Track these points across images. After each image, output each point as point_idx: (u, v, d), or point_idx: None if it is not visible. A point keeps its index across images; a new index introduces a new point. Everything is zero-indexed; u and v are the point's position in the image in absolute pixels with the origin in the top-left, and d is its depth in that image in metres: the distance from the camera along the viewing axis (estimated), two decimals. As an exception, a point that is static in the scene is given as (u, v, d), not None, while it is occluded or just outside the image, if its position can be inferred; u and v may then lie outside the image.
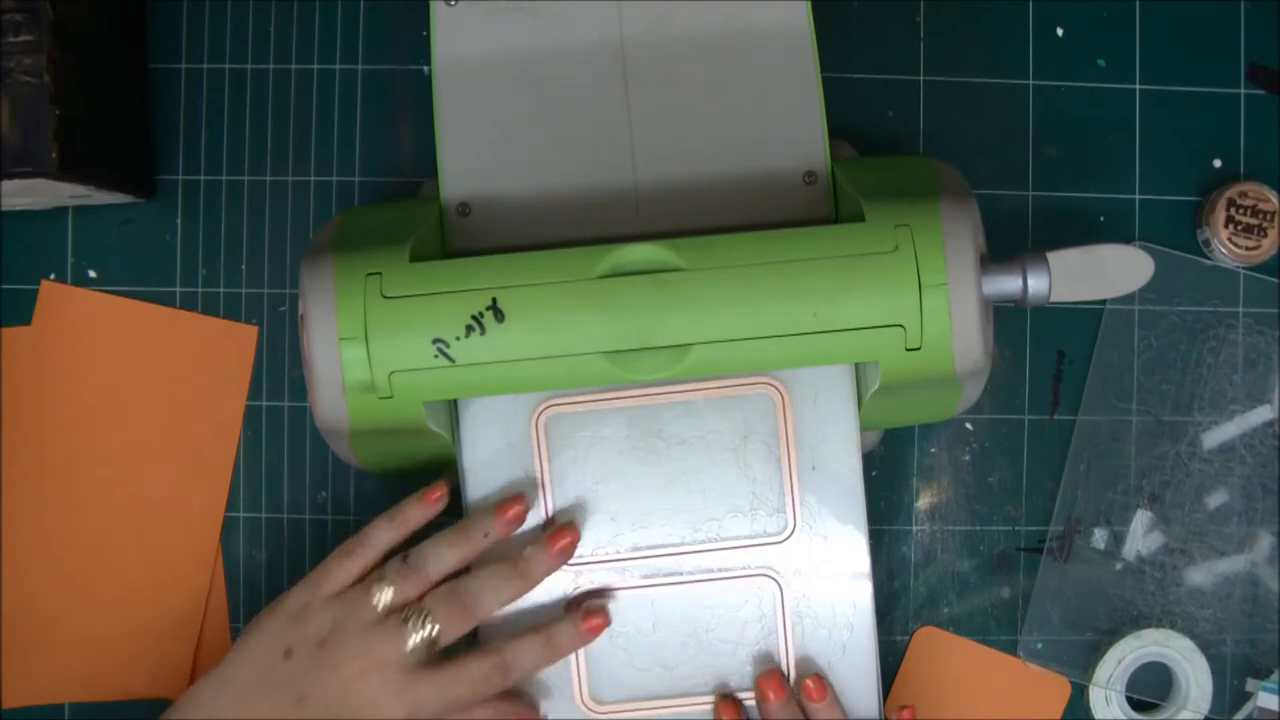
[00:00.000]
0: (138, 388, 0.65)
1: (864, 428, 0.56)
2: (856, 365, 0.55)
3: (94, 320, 0.65)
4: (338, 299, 0.51)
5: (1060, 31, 0.67)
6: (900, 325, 0.50)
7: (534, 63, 0.56)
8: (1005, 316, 0.66)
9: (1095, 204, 0.67)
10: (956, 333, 0.50)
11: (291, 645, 0.54)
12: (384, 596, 0.54)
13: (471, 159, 0.56)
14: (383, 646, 0.53)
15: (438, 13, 0.56)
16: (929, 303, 0.50)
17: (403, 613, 0.54)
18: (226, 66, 0.66)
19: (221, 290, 0.66)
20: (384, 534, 0.56)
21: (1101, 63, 0.67)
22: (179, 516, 0.65)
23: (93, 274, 0.66)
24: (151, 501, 0.65)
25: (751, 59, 0.56)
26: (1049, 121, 0.67)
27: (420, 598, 0.54)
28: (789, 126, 0.56)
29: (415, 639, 0.53)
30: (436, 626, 0.54)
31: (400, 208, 0.57)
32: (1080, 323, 0.67)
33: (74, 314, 0.65)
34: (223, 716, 0.54)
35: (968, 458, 0.67)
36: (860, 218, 0.51)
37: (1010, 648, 0.67)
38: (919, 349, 0.50)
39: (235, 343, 0.66)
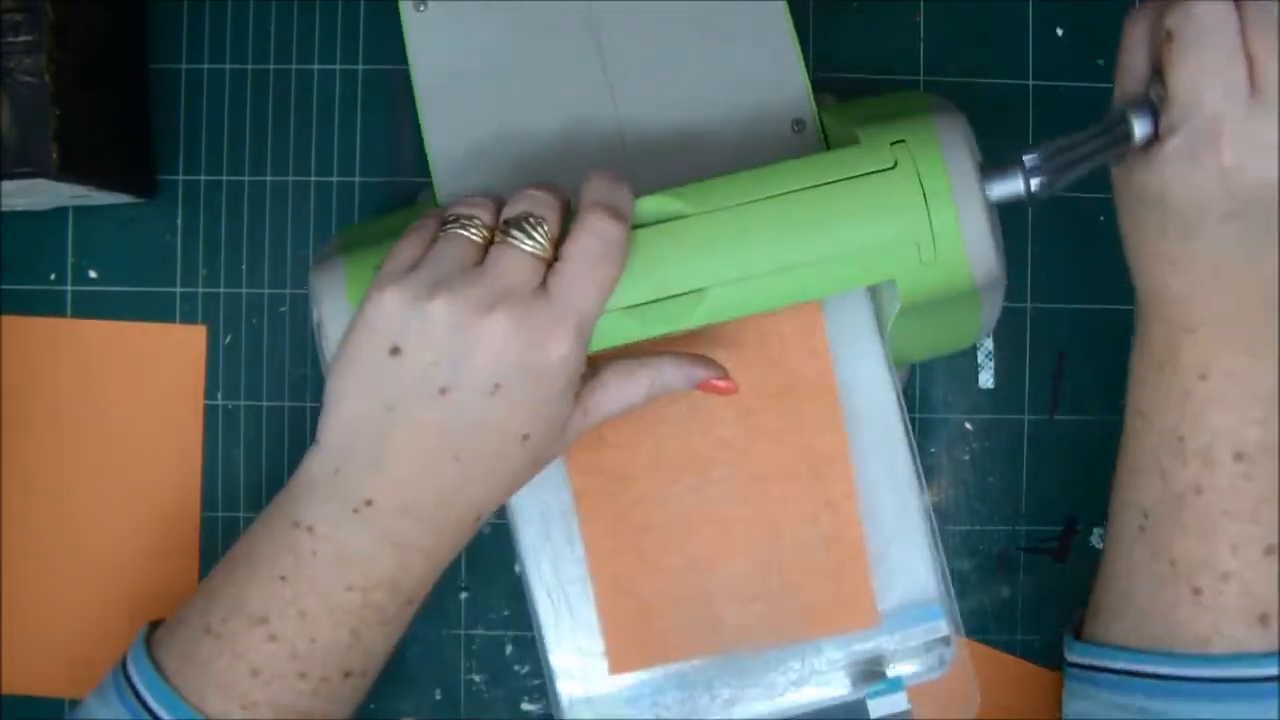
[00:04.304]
0: (102, 401, 0.66)
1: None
2: (874, 296, 0.55)
3: (45, 344, 0.66)
4: (351, 303, 0.51)
5: (1060, 32, 0.67)
6: (912, 239, 0.50)
7: (511, 57, 0.56)
8: (1005, 317, 0.66)
9: (1095, 204, 0.67)
10: (967, 239, 0.50)
11: (393, 340, 0.46)
12: (471, 228, 0.48)
13: (461, 160, 0.56)
14: (501, 273, 0.46)
15: (409, 19, 0.56)
16: (936, 212, 0.50)
17: (501, 228, 0.47)
18: (227, 67, 0.66)
19: (222, 290, 0.66)
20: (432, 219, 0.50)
21: (1101, 63, 0.67)
22: (157, 519, 0.66)
23: (93, 274, 0.66)
24: (129, 507, 0.66)
25: (724, 17, 0.56)
26: (1048, 122, 0.67)
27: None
28: (770, 79, 0.56)
29: (532, 244, 0.46)
30: (545, 224, 0.47)
31: (400, 216, 0.57)
32: (1081, 323, 0.67)
33: (26, 342, 0.66)
34: (370, 495, 0.47)
35: (967, 458, 0.67)
36: (854, 144, 0.52)
37: (1010, 647, 0.67)
38: (933, 262, 0.50)
39: (185, 344, 0.66)
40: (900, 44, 0.67)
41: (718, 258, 0.50)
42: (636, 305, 0.50)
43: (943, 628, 0.55)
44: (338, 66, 0.66)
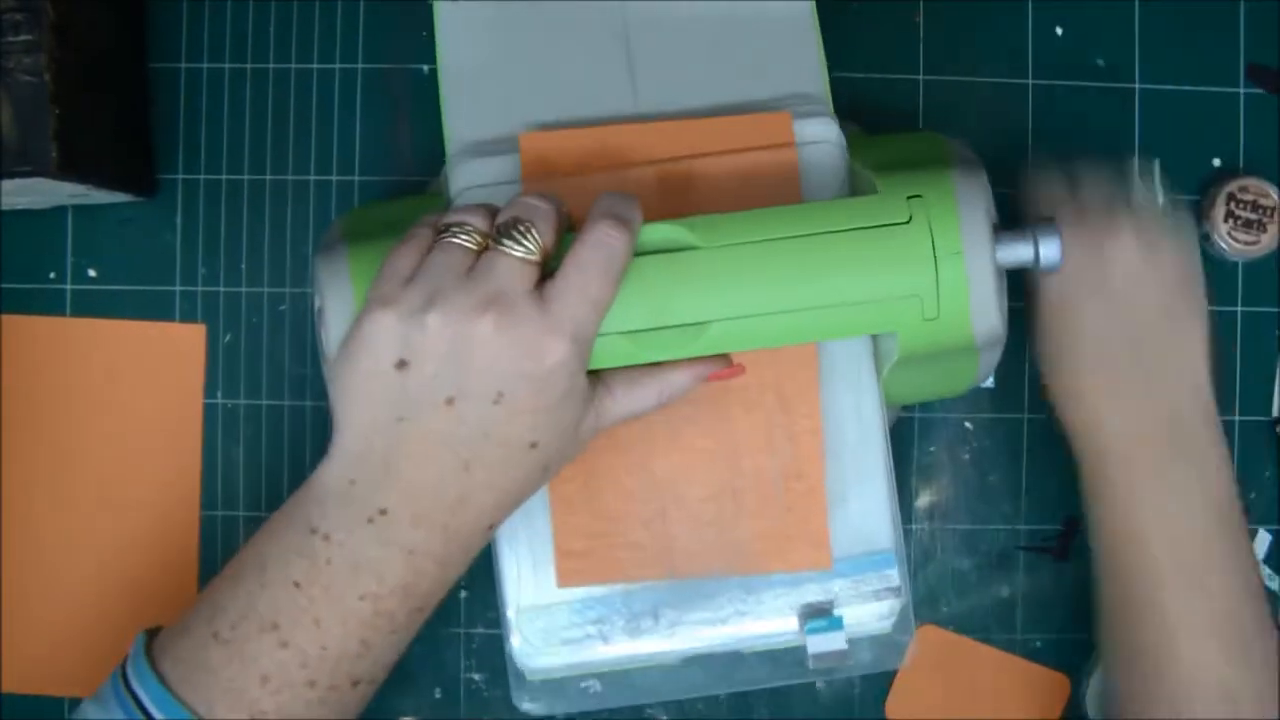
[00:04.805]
0: (101, 400, 0.66)
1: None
2: (874, 339, 0.55)
3: (47, 343, 0.66)
4: (354, 291, 0.51)
5: (1059, 31, 0.67)
6: (917, 295, 0.50)
7: (540, 55, 0.56)
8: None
9: (1095, 203, 0.67)
10: (973, 301, 0.51)
11: (398, 355, 0.47)
12: (463, 236, 0.48)
13: (477, 154, 0.56)
14: (492, 279, 0.47)
15: (441, 9, 0.56)
16: (945, 272, 0.50)
17: (493, 235, 0.47)
18: (226, 66, 0.66)
19: (221, 289, 0.66)
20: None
21: (1101, 62, 0.67)
22: (156, 518, 0.66)
23: (92, 273, 0.66)
24: (129, 506, 0.66)
25: (756, 39, 0.56)
26: (1048, 121, 0.67)
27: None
28: (796, 104, 0.56)
29: (522, 249, 0.47)
30: (535, 229, 0.47)
31: (408, 204, 0.57)
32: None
33: (26, 341, 0.66)
34: (384, 504, 0.48)
35: (967, 457, 0.67)
36: (872, 192, 0.52)
37: (1010, 646, 0.67)
38: (936, 319, 0.51)
39: (184, 342, 0.66)
40: (900, 44, 0.67)
41: (724, 294, 0.50)
42: (637, 331, 0.50)
43: (894, 577, 0.55)
44: (337, 66, 0.66)
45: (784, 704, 0.67)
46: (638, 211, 0.49)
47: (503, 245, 0.47)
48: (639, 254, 0.50)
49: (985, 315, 0.51)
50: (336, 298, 0.51)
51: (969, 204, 0.51)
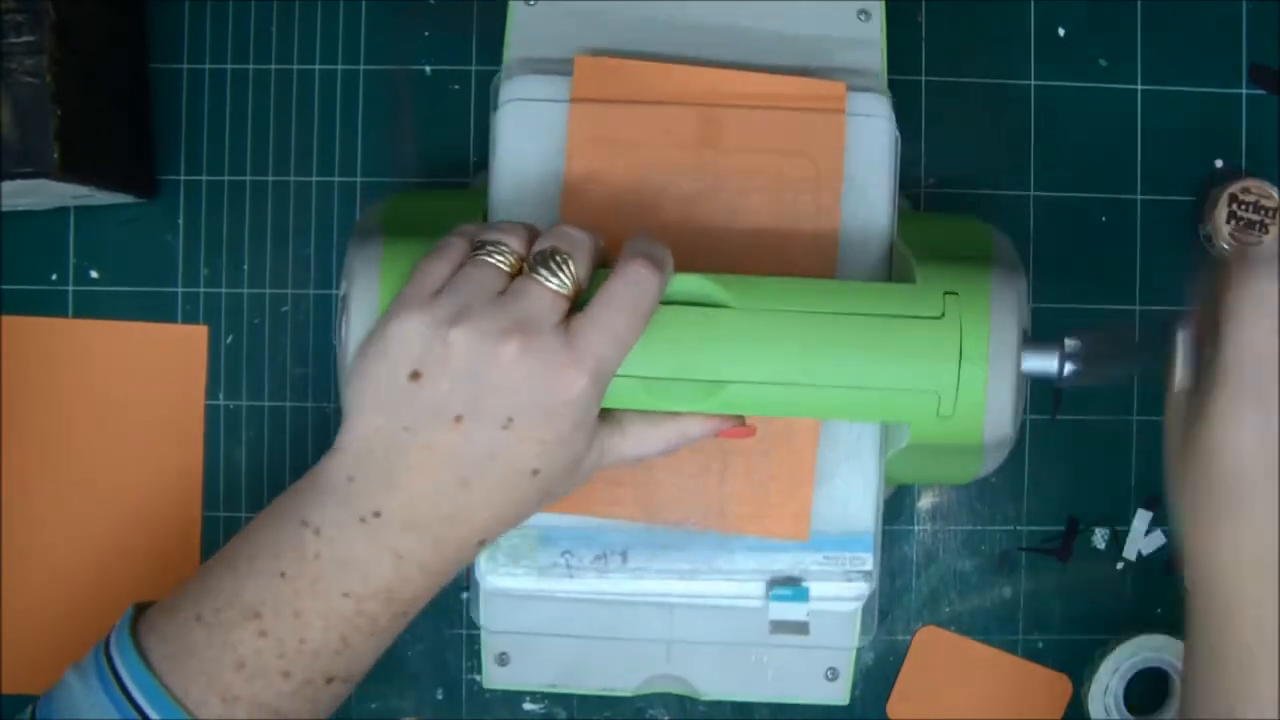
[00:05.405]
0: (103, 401, 0.66)
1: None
2: (884, 424, 0.55)
3: (49, 344, 0.66)
4: (383, 281, 0.51)
5: (1061, 31, 0.67)
6: (935, 391, 0.50)
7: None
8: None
9: (1096, 204, 0.67)
10: (990, 407, 0.50)
11: (414, 365, 0.47)
12: (498, 256, 0.48)
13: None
14: (523, 305, 0.47)
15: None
16: (967, 374, 0.50)
17: (530, 260, 0.48)
18: (228, 67, 0.66)
19: (223, 290, 0.66)
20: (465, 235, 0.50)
21: (1103, 63, 0.67)
22: (158, 519, 0.66)
23: (94, 274, 0.66)
24: (130, 507, 0.66)
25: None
26: (1050, 122, 0.67)
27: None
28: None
29: (556, 281, 0.47)
30: (572, 263, 0.47)
31: (450, 199, 0.57)
32: (1082, 322, 0.67)
33: (27, 341, 0.66)
34: (379, 506, 0.47)
35: (969, 457, 0.67)
36: (909, 276, 0.51)
37: (1011, 647, 0.67)
38: (950, 417, 0.50)
39: (186, 344, 0.66)
40: (901, 44, 0.67)
41: (747, 358, 0.49)
42: (654, 378, 0.50)
43: (867, 561, 0.55)
44: (339, 67, 0.66)
45: (785, 703, 0.67)
46: (670, 258, 0.49)
47: (538, 274, 0.47)
48: (669, 302, 0.49)
49: (999, 423, 0.51)
50: (364, 287, 0.51)
51: (1002, 309, 0.51)
